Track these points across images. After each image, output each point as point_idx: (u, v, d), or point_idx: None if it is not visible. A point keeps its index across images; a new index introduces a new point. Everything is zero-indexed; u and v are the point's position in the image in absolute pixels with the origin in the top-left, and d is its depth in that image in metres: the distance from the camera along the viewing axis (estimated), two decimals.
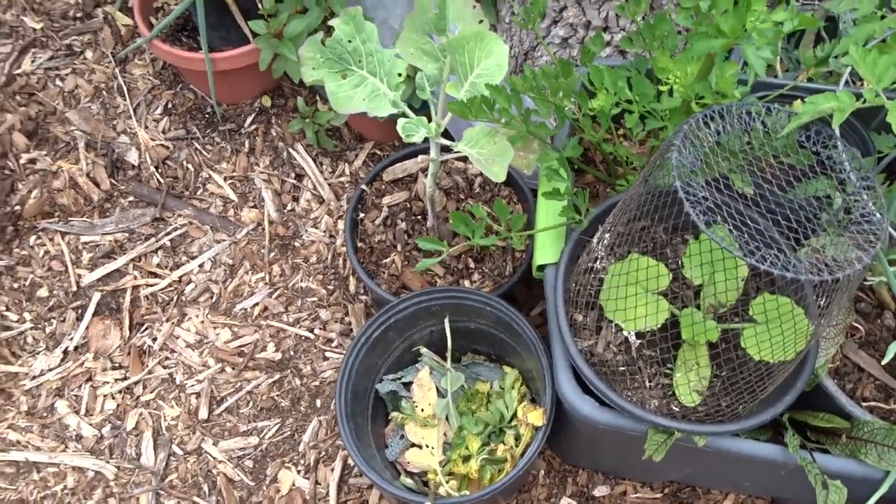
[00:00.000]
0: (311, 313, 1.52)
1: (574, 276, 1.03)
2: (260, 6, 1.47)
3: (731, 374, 0.95)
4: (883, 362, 0.93)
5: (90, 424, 1.41)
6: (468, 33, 1.05)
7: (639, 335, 0.96)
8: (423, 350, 1.33)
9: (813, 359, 0.96)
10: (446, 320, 1.27)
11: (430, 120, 1.13)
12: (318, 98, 1.68)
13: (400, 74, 1.12)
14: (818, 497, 0.93)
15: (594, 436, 1.14)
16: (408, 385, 1.33)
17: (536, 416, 1.11)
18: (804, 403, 1.00)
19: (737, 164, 0.86)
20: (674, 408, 0.99)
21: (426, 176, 1.31)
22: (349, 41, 1.06)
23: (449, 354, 1.30)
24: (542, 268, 1.10)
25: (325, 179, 1.65)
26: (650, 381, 1.00)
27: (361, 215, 1.45)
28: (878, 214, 0.79)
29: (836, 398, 0.96)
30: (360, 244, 1.41)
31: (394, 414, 1.29)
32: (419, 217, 1.44)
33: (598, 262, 0.99)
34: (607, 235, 0.96)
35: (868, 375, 1.03)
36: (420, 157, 1.46)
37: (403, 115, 1.12)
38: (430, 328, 1.31)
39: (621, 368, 1.01)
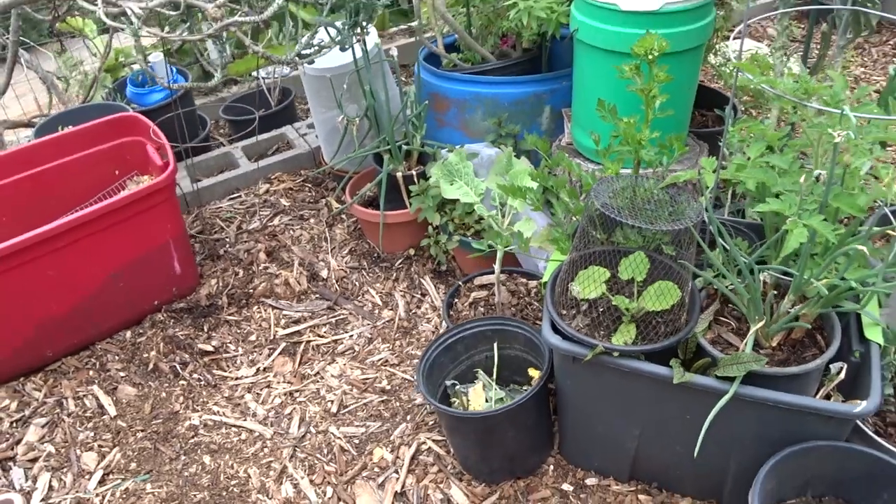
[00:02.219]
0: (414, 366, 2.27)
1: (558, 284, 1.77)
2: (414, 187, 2.49)
3: (645, 326, 1.61)
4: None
5: (263, 408, 2.19)
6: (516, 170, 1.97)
7: (589, 301, 1.67)
8: (480, 371, 2.03)
9: (693, 324, 1.61)
10: (495, 345, 1.99)
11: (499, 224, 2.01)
12: (438, 242, 2.60)
13: (483, 192, 2.03)
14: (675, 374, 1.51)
15: (572, 390, 1.76)
16: (465, 393, 2.01)
17: (535, 373, 1.78)
18: (692, 359, 1.62)
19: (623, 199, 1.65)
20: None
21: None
22: (456, 165, 2.01)
23: (494, 375, 2.00)
24: (544, 284, 1.85)
25: (439, 295, 2.50)
26: (599, 337, 1.67)
27: (455, 300, 2.26)
28: (692, 214, 1.53)
29: (705, 347, 1.58)
30: (451, 314, 2.21)
31: (453, 399, 1.96)
32: (492, 305, 2.23)
33: (567, 273, 1.74)
34: (574, 254, 1.73)
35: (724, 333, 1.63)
36: (495, 274, 2.30)
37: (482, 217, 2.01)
38: (485, 353, 2.02)
39: (584, 330, 1.69)
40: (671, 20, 1.99)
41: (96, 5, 2.09)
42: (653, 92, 1.67)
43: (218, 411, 2.19)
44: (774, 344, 1.63)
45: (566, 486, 1.90)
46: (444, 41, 2.92)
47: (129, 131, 2.57)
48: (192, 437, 2.12)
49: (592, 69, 2.15)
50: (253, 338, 2.42)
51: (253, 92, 3.45)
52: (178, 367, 2.31)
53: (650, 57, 1.62)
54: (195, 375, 2.29)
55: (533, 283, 2.29)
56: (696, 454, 1.56)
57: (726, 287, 1.64)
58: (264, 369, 2.32)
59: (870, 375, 1.55)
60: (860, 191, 1.46)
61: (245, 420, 2.16)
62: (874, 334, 1.62)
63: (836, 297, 1.54)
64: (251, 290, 2.55)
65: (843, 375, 1.62)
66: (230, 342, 2.40)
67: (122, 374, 2.30)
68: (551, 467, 1.94)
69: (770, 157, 1.55)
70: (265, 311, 2.50)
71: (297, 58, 2.31)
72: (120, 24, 2.05)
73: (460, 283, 2.29)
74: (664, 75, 1.63)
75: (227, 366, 2.33)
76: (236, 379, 2.29)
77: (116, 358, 2.35)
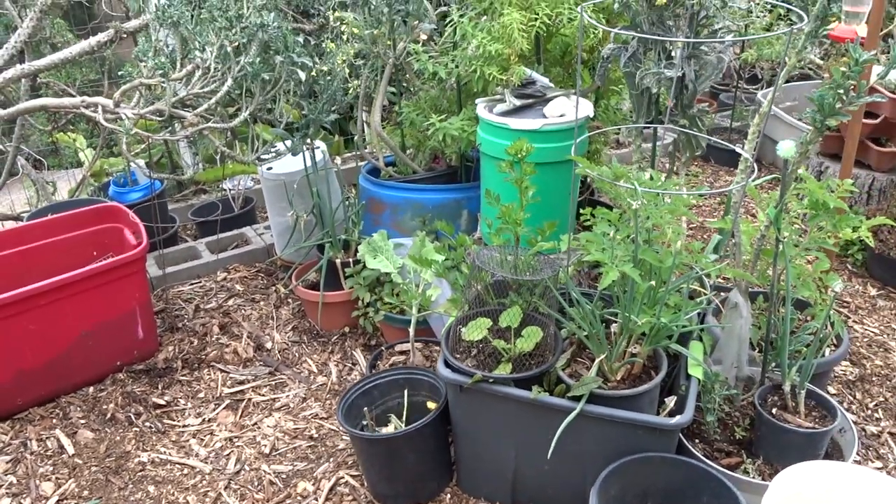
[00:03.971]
0: None
1: (453, 333, 2.20)
2: (350, 269, 2.96)
3: (519, 364, 2.03)
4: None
5: (205, 450, 2.51)
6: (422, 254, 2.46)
7: (474, 344, 2.10)
8: (392, 416, 2.40)
9: (554, 360, 2.04)
10: (405, 392, 2.38)
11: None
12: (367, 315, 3.03)
13: (400, 266, 2.50)
14: (533, 392, 1.91)
15: (462, 418, 2.15)
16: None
17: (433, 406, 2.17)
18: (554, 387, 2.03)
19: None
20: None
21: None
22: (378, 243, 2.49)
23: (404, 418, 2.37)
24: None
25: (367, 364, 2.90)
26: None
27: (378, 362, 2.66)
28: (548, 272, 2.01)
29: (562, 378, 2.00)
30: (373, 372, 2.60)
31: None
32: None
33: (460, 325, 2.18)
34: (466, 308, 2.18)
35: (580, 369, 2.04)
36: (410, 343, 2.72)
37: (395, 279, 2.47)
38: (397, 399, 2.40)
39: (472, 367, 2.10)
40: (548, 137, 2.57)
41: (97, 112, 2.61)
42: (524, 183, 2.20)
43: (165, 451, 2.50)
44: (619, 378, 2.07)
45: None
46: (385, 159, 3.49)
47: (110, 218, 3.03)
48: (140, 471, 2.42)
49: (491, 174, 2.70)
50: (202, 395, 2.77)
51: (219, 200, 3.96)
52: (132, 416, 2.64)
53: (520, 156, 2.15)
54: (147, 423, 2.62)
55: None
56: (548, 456, 1.95)
57: (582, 333, 2.10)
58: (209, 420, 2.65)
59: (688, 400, 1.99)
60: (667, 253, 1.96)
61: (188, 459, 2.48)
62: (695, 371, 2.07)
63: (657, 336, 1.99)
64: (203, 357, 2.93)
65: (673, 406, 2.05)
66: (181, 398, 2.75)
67: (82, 421, 2.62)
68: (448, 496, 2.29)
69: (607, 229, 2.05)
70: (214, 373, 2.87)
71: (257, 160, 2.84)
72: (117, 127, 2.56)
73: (383, 348, 2.70)
74: (530, 169, 2.16)
75: (177, 416, 2.66)
76: (184, 426, 2.62)
77: (78, 409, 2.67)
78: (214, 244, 3.64)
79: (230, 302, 3.30)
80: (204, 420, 2.65)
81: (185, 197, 4.16)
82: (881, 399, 2.66)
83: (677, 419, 1.90)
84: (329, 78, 2.76)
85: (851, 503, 1.75)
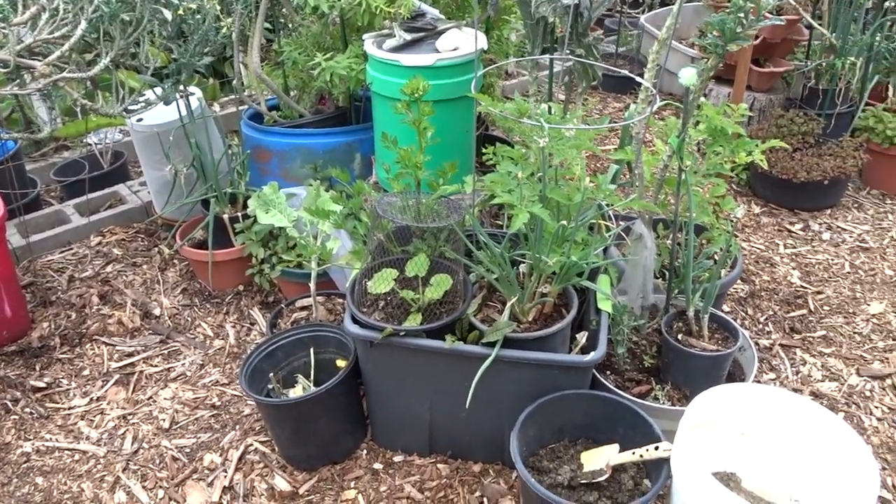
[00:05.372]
0: None
1: (358, 287, 2.10)
2: (240, 224, 2.77)
3: (429, 314, 1.96)
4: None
5: (96, 431, 2.32)
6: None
7: (381, 296, 2.00)
8: (299, 376, 2.29)
9: (465, 306, 1.98)
10: (311, 350, 2.27)
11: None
12: (262, 272, 2.87)
13: (295, 219, 2.35)
14: (447, 341, 1.86)
15: (374, 374, 2.07)
16: (286, 395, 2.26)
17: (343, 363, 2.08)
18: (467, 337, 1.98)
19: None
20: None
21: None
22: (270, 196, 2.32)
23: (312, 377, 2.27)
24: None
25: (266, 323, 2.75)
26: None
27: (279, 320, 2.53)
28: (456, 217, 1.93)
29: (475, 324, 1.95)
30: (275, 333, 2.47)
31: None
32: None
33: (365, 277, 2.07)
34: (372, 262, 2.07)
35: (492, 313, 2.01)
36: (312, 298, 2.59)
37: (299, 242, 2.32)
38: (303, 358, 2.29)
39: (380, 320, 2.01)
40: (443, 73, 2.45)
41: None
42: (423, 124, 2.08)
43: (50, 438, 2.30)
44: (530, 319, 2.03)
45: (377, 465, 2.18)
46: (268, 103, 3.26)
47: None
48: (25, 462, 2.22)
49: (384, 115, 2.56)
50: (86, 372, 2.55)
51: (85, 156, 3.61)
52: (9, 403, 2.40)
53: (416, 95, 2.03)
54: (27, 410, 2.39)
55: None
56: (467, 405, 1.90)
57: (492, 277, 2.04)
58: (98, 399, 2.45)
59: (600, 336, 1.98)
60: (575, 189, 1.91)
61: (79, 443, 2.28)
62: (605, 305, 2.06)
63: (567, 274, 1.96)
64: (84, 331, 2.69)
65: (584, 341, 2.04)
66: (63, 378, 2.52)
67: None
68: (364, 451, 2.22)
69: (511, 168, 1.98)
70: (98, 347, 2.64)
71: (124, 112, 2.57)
72: None
73: (283, 305, 2.56)
74: (429, 109, 2.04)
75: (60, 398, 2.44)
76: (69, 409, 2.41)
77: None
78: (84, 206, 3.33)
79: (109, 268, 3.04)
80: (92, 399, 2.45)
81: (45, 156, 3.78)
82: (770, 313, 2.78)
83: (592, 356, 1.89)
84: (199, 16, 2.50)
85: (758, 421, 1.81)
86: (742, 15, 1.67)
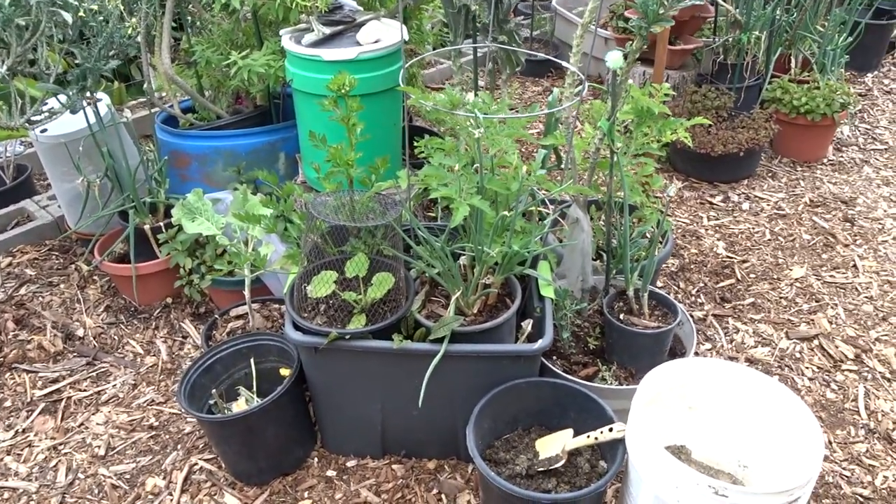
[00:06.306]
0: None
1: (296, 291, 2.04)
2: (163, 235, 2.65)
3: (373, 315, 1.92)
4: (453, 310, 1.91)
5: (25, 466, 2.18)
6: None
7: (322, 299, 1.95)
8: (241, 388, 2.22)
9: (409, 304, 1.95)
10: (252, 360, 2.20)
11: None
12: (192, 283, 2.76)
13: (223, 225, 2.26)
14: (395, 341, 1.83)
15: (320, 380, 2.02)
16: (229, 409, 2.18)
17: (286, 372, 2.01)
18: (413, 335, 1.95)
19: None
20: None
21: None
22: (195, 204, 2.22)
23: (255, 388, 2.19)
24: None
25: (200, 335, 2.65)
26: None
27: (213, 332, 2.43)
28: (393, 214, 1.89)
29: (420, 321, 1.92)
30: (211, 345, 2.37)
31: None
32: (249, 332, 2.44)
33: (303, 280, 2.01)
34: (308, 265, 2.01)
35: (436, 308, 1.99)
36: (248, 306, 2.51)
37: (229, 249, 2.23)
38: (244, 370, 2.21)
39: (323, 326, 1.96)
40: (366, 66, 2.40)
41: None
42: (352, 120, 2.03)
43: None
44: (475, 311, 2.02)
45: (330, 472, 2.13)
46: (181, 105, 3.13)
47: None
48: None
49: (309, 112, 2.49)
50: (8, 403, 2.39)
51: None
52: None
53: (343, 91, 1.97)
54: None
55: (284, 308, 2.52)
56: (420, 404, 1.88)
57: (434, 272, 2.01)
58: (23, 430, 2.30)
59: (545, 322, 1.99)
60: (511, 178, 1.90)
61: (7, 480, 2.14)
62: (548, 292, 2.07)
63: (509, 264, 1.96)
64: (1, 360, 2.52)
65: (530, 329, 2.05)
66: None
67: None
68: (315, 460, 2.17)
69: (445, 160, 1.95)
70: (19, 376, 2.48)
71: (27, 123, 2.41)
72: None
73: (217, 315, 2.47)
74: (357, 105, 1.99)
75: None
76: None
77: None
78: None
79: (22, 290, 2.86)
80: (17, 432, 2.30)
81: None
82: (701, 285, 2.87)
83: (540, 343, 1.90)
84: (102, 18, 2.36)
85: (704, 393, 1.86)
86: None
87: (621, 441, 1.76)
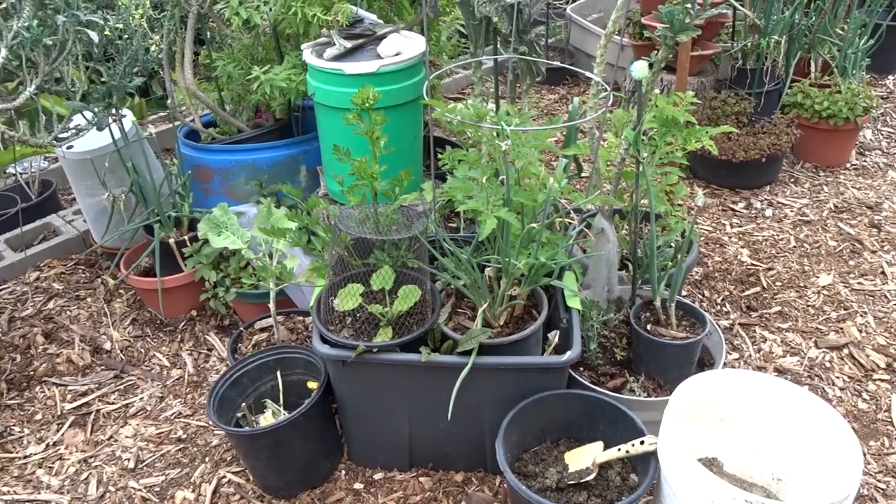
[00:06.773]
0: None
1: (323, 305, 2.04)
2: (188, 249, 2.67)
3: (399, 327, 1.92)
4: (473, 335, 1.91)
5: (57, 479, 2.20)
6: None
7: (348, 312, 1.96)
8: (268, 401, 2.22)
9: (436, 316, 1.95)
10: (278, 373, 2.20)
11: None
12: (217, 296, 2.77)
13: (248, 239, 2.27)
14: (423, 354, 1.82)
15: (347, 393, 2.02)
16: (256, 422, 2.19)
17: (313, 385, 2.02)
18: (440, 346, 1.95)
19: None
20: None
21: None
22: (221, 218, 2.23)
23: (282, 401, 2.20)
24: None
25: (225, 348, 2.66)
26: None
27: (239, 345, 2.44)
28: (419, 227, 1.89)
29: (448, 333, 1.92)
30: (236, 358, 2.39)
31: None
32: (274, 345, 2.45)
33: (329, 294, 2.02)
34: (334, 278, 2.02)
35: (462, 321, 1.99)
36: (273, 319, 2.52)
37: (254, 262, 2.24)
38: (270, 382, 2.22)
39: (350, 339, 1.96)
40: (387, 79, 2.41)
41: None
42: (375, 133, 2.03)
43: (8, 491, 2.17)
44: (502, 322, 2.01)
45: (358, 485, 2.13)
46: (202, 119, 3.16)
47: None
48: None
49: (331, 126, 2.50)
50: (39, 417, 2.42)
51: (11, 187, 3.43)
52: None
53: (367, 105, 1.98)
54: None
55: (309, 320, 2.53)
56: (449, 417, 1.88)
57: (459, 283, 2.01)
58: (54, 444, 2.33)
59: (573, 334, 1.98)
60: (536, 189, 1.90)
61: (39, 493, 2.16)
62: (574, 303, 2.06)
63: (536, 275, 1.95)
64: (31, 373, 2.55)
65: (557, 340, 2.04)
66: (14, 425, 2.38)
67: None
68: (343, 472, 2.17)
69: (469, 173, 1.96)
70: (49, 389, 2.51)
71: (55, 141, 2.44)
72: None
73: (242, 328, 2.48)
74: (381, 118, 1.99)
75: (14, 447, 2.31)
76: (25, 457, 2.27)
77: None
78: (16, 240, 3.16)
79: (51, 304, 2.89)
80: (48, 445, 2.32)
81: None
82: (726, 293, 2.85)
83: (569, 355, 1.89)
84: (126, 36, 2.39)
85: (737, 405, 1.84)
86: (689, 5, 1.69)
87: (653, 454, 1.74)
